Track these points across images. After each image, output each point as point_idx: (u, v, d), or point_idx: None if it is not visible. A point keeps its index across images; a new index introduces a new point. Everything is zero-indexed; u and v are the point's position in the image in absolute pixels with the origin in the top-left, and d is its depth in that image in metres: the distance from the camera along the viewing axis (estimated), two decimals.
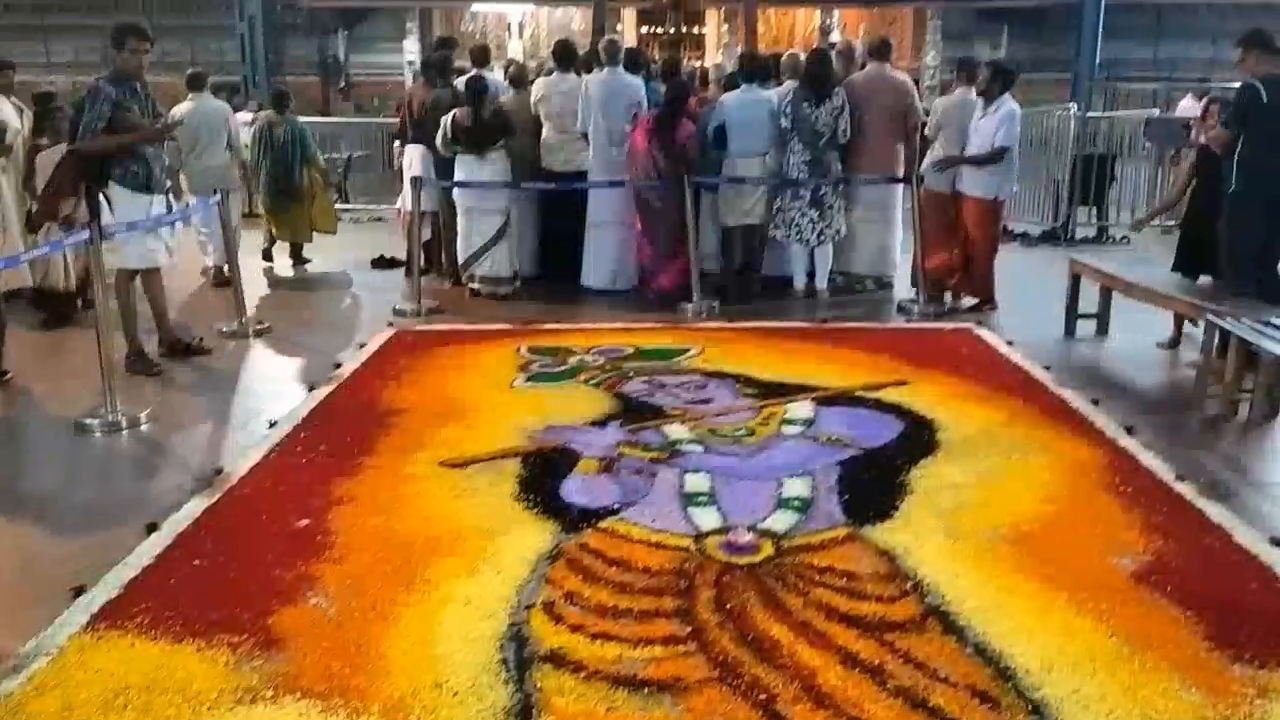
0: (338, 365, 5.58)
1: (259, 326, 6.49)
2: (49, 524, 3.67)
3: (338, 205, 10.30)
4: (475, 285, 7.57)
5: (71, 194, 5.50)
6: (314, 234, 8.93)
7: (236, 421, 4.80)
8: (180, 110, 7.55)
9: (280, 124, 8.67)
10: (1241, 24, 19.95)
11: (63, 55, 22.21)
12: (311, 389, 5.15)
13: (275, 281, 8.41)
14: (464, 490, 3.83)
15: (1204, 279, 5.67)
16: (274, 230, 8.96)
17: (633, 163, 7.39)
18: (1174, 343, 5.92)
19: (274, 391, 5.22)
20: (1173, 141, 10.32)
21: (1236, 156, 5.13)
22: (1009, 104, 6.76)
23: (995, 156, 6.73)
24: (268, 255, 8.99)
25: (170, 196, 5.66)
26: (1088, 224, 10.38)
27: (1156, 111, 12.28)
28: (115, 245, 5.32)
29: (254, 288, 7.94)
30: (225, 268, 7.46)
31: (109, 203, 5.30)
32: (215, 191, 6.67)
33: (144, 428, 4.70)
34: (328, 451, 4.25)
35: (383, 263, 8.81)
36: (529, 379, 5.38)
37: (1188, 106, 11.10)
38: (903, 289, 7.55)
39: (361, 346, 6.02)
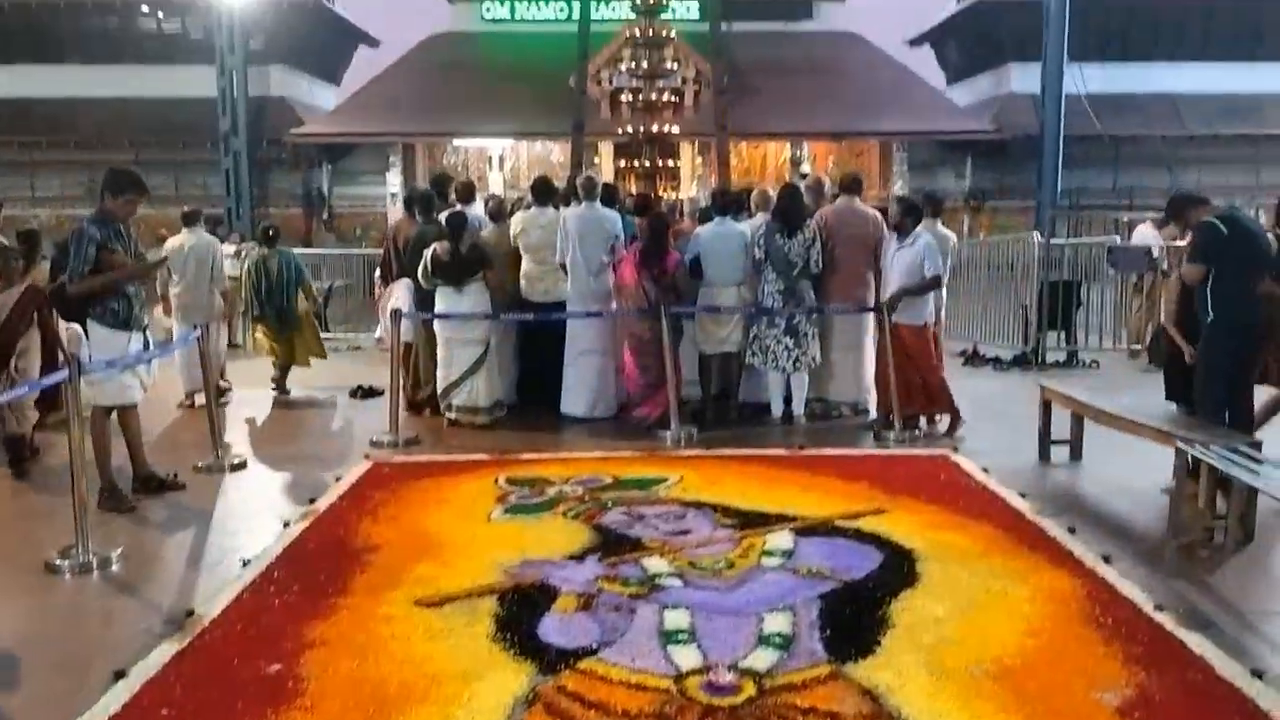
0: (313, 500, 5.54)
1: (235, 461, 6.46)
2: (12, 671, 3.58)
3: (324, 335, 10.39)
4: (453, 415, 7.59)
5: (24, 334, 5.53)
6: (308, 360, 9.14)
7: (209, 560, 4.73)
8: (173, 243, 8.43)
9: (273, 256, 8.95)
10: (1196, 152, 20.80)
11: (49, 189, 22.62)
12: (286, 525, 5.10)
13: (255, 412, 8.40)
14: (439, 631, 3.77)
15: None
16: (275, 358, 9.09)
17: (622, 296, 7.53)
18: None
19: (248, 528, 5.16)
20: (1135, 267, 10.61)
21: (1209, 288, 5.32)
22: (924, 236, 7.12)
23: (932, 285, 7.09)
24: (280, 385, 9.02)
25: (148, 333, 5.70)
26: (1057, 349, 10.58)
27: (1118, 239, 12.65)
28: (93, 382, 5.33)
29: (235, 418, 8.03)
30: (197, 395, 7.93)
31: (86, 339, 5.33)
32: (195, 326, 6.71)
33: (115, 568, 4.62)
34: (301, 591, 4.19)
35: (362, 392, 8.84)
36: (507, 511, 5.36)
37: (1145, 233, 11.51)
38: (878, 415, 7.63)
39: (338, 480, 5.99)
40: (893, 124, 21.87)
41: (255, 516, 5.41)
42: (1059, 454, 6.46)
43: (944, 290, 7.53)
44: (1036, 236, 11.01)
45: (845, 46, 23.04)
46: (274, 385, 9.01)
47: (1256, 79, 22.76)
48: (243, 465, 6.45)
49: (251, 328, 9.33)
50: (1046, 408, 6.48)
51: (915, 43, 27.84)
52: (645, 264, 7.38)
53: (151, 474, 5.84)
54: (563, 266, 7.80)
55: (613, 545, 4.71)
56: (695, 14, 20.49)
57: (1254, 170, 22.38)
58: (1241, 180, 21.41)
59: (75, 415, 4.88)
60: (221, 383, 8.56)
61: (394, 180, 22.72)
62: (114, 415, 5.63)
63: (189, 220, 8.55)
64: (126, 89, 22.40)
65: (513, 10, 23.50)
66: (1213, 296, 5.29)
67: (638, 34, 16.59)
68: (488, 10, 23.52)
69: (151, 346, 5.75)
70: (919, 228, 7.18)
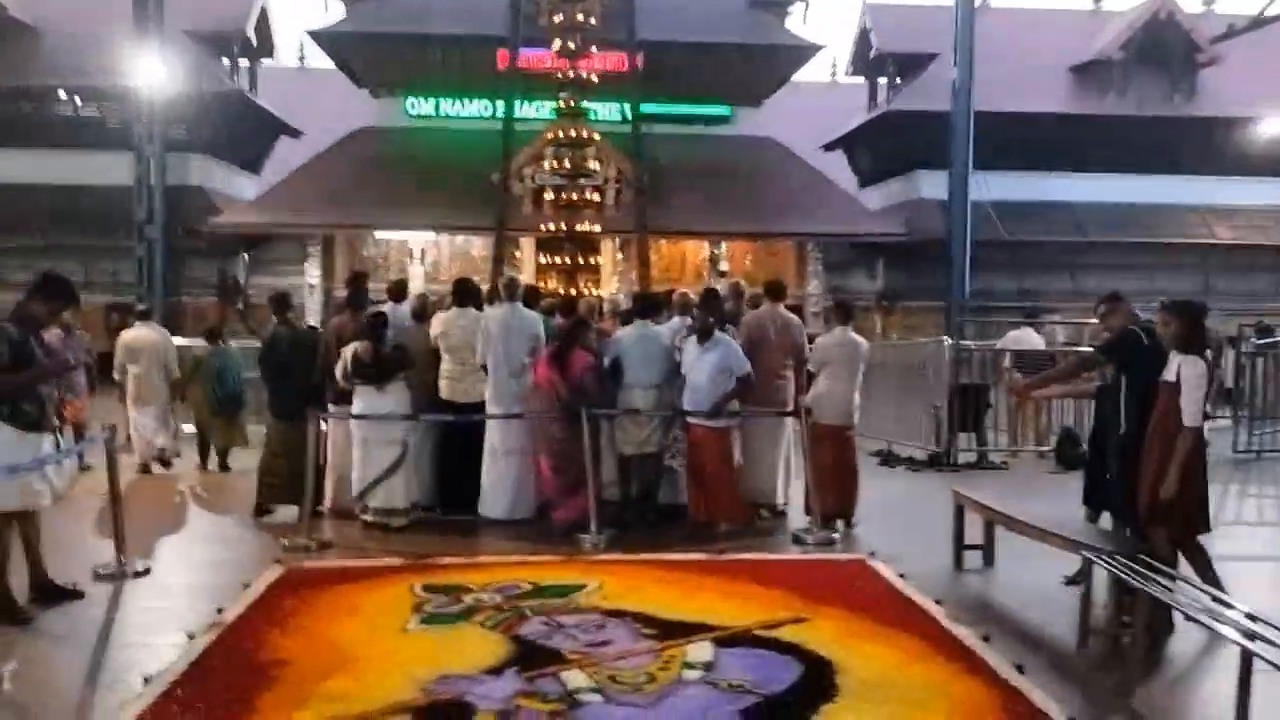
0: (220, 610, 5.34)
1: (139, 568, 6.21)
2: None
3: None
4: (369, 517, 7.45)
5: None
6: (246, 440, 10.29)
7: (108, 678, 4.51)
8: (129, 335, 10.12)
9: (217, 354, 10.37)
10: (1098, 259, 21.75)
11: None
12: (191, 638, 4.91)
13: (163, 511, 8.13)
14: None
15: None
16: (215, 441, 10.30)
17: (535, 397, 7.54)
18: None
19: (150, 642, 4.94)
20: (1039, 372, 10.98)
21: (1123, 399, 5.52)
22: (725, 338, 7.41)
23: (746, 386, 7.37)
24: (223, 464, 10.23)
25: (60, 434, 5.52)
26: (968, 450, 10.85)
27: (994, 344, 13.11)
28: None
29: (148, 511, 7.86)
30: (165, 453, 9.99)
31: None
32: (104, 428, 6.50)
33: (5, 686, 4.38)
34: (205, 712, 4.02)
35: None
36: (423, 621, 5.24)
37: (1017, 337, 12.31)
38: (796, 517, 7.73)
39: (247, 587, 5.80)
40: (807, 225, 22.50)
41: (159, 628, 5.19)
42: (973, 558, 6.58)
43: (857, 394, 7.70)
44: (947, 340, 11.36)
45: (762, 150, 23.74)
46: (220, 466, 10.23)
47: (1149, 190, 24.07)
48: (147, 571, 6.21)
49: (200, 415, 10.44)
50: (960, 512, 6.63)
51: (829, 148, 28.84)
52: (555, 365, 7.44)
53: (49, 582, 5.59)
54: (483, 367, 7.79)
55: (532, 658, 4.63)
56: (617, 115, 20.94)
57: (1149, 276, 23.49)
58: (1137, 285, 22.33)
59: None
60: (168, 456, 10.15)
61: (313, 271, 22.53)
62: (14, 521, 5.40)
63: (143, 316, 10.34)
64: (38, 174, 21.94)
65: (437, 107, 23.76)
66: (1125, 408, 5.49)
67: (561, 135, 16.88)
68: (412, 106, 23.74)
69: (62, 448, 5.55)
70: (712, 335, 7.36)
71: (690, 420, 7.38)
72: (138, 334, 10.15)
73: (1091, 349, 6.32)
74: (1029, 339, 12.49)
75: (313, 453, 7.32)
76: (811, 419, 7.49)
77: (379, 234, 22.88)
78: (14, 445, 5.18)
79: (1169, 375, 5.14)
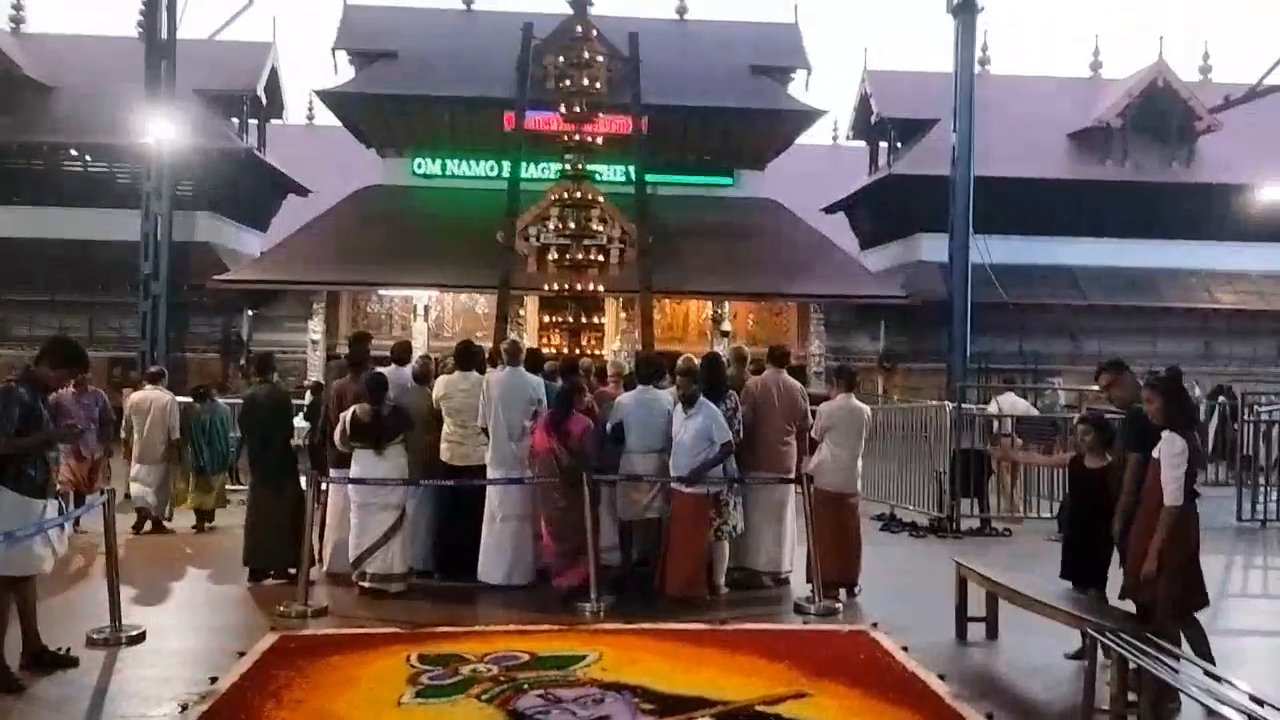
0: (214, 679, 5.28)
1: (132, 633, 6.13)
2: None
3: (228, 487, 10.99)
4: (366, 583, 7.38)
5: None
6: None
7: None
8: (137, 397, 10.37)
9: (206, 410, 10.59)
10: (1099, 322, 21.75)
11: None
12: (184, 709, 4.85)
13: (158, 573, 8.06)
14: None
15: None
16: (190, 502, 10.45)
17: (535, 461, 7.52)
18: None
19: (143, 712, 4.88)
20: (1042, 437, 10.99)
21: (1128, 477, 5.43)
22: (708, 405, 7.32)
23: (727, 453, 7.27)
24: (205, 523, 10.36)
25: (62, 501, 5.51)
26: (971, 515, 10.78)
27: (989, 406, 13.10)
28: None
29: (144, 573, 7.82)
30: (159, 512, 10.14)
31: None
32: (102, 492, 6.48)
33: None
34: None
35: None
36: (418, 694, 5.17)
37: (1011, 402, 12.35)
38: (799, 584, 7.65)
39: (241, 655, 5.73)
40: (809, 287, 22.61)
41: (153, 697, 5.12)
42: (976, 630, 6.51)
43: (859, 461, 7.69)
44: (948, 405, 11.34)
45: (764, 211, 23.94)
46: (196, 527, 10.28)
47: (1150, 255, 24.22)
48: (141, 637, 6.13)
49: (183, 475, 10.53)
50: (963, 585, 6.56)
51: (830, 210, 29.10)
52: (554, 429, 7.41)
53: (43, 649, 5.53)
54: (484, 430, 7.78)
55: None
56: (621, 176, 21.19)
57: (1150, 340, 23.57)
58: (1138, 349, 22.46)
59: None
60: (165, 522, 10.27)
61: (316, 327, 22.58)
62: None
63: (154, 378, 10.63)
64: (46, 230, 22.12)
65: (443, 166, 24.03)
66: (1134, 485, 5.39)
67: (565, 196, 17.05)
68: (419, 165, 24.01)
69: (63, 512, 5.53)
70: (700, 399, 7.33)
71: (672, 485, 7.34)
72: (146, 394, 10.39)
73: (1097, 421, 6.25)
74: (1015, 403, 12.51)
75: (310, 516, 7.27)
76: (814, 485, 7.45)
77: (383, 290, 22.99)
78: (18, 510, 5.16)
79: (1156, 452, 5.14)
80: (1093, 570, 5.94)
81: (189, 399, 10.94)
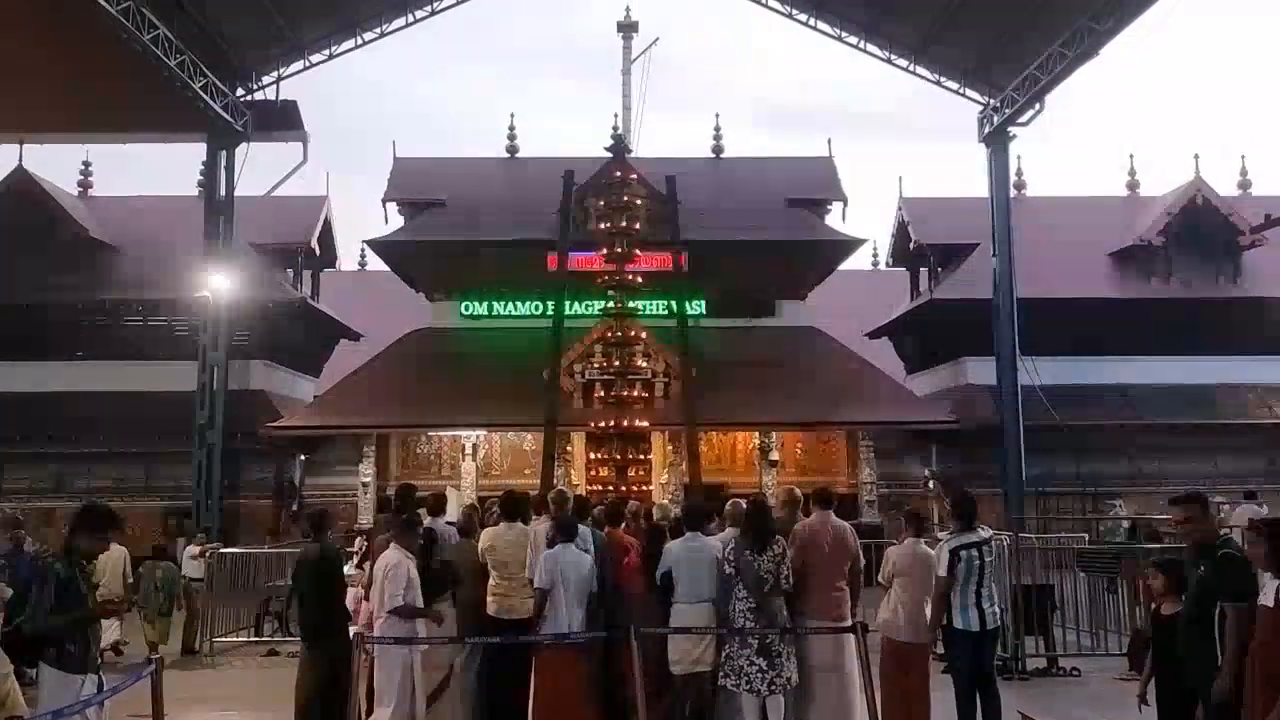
0: None
1: None
2: None
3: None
4: None
5: None
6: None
7: None
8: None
9: (160, 567, 12.36)
10: (1156, 440, 21.08)
11: (18, 483, 22.46)
12: None
13: None
14: None
15: None
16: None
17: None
18: None
19: None
20: (1105, 572, 10.63)
21: (1218, 629, 5.06)
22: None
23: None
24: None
25: (102, 675, 5.49)
26: (1037, 655, 10.38)
27: (1085, 537, 12.77)
28: None
29: None
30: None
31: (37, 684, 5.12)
32: (149, 660, 6.47)
33: None
34: None
35: None
36: None
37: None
38: None
39: None
40: (857, 414, 22.44)
41: None
42: None
43: (929, 608, 7.43)
44: (1006, 538, 11.05)
45: (807, 340, 24.03)
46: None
47: (1203, 370, 23.76)
48: None
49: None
50: None
51: (873, 335, 29.13)
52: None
53: None
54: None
55: None
56: (664, 310, 21.47)
57: (1211, 458, 22.92)
58: (1198, 467, 21.89)
59: None
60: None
61: (367, 470, 22.78)
62: None
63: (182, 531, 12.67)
64: (105, 383, 22.75)
65: (490, 308, 24.57)
66: (1224, 639, 5.00)
67: (609, 334, 17.30)
68: (466, 308, 24.57)
69: (104, 688, 5.51)
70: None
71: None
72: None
73: (1166, 565, 5.97)
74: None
75: (356, 674, 7.15)
76: (883, 637, 7.23)
77: (432, 431, 23.23)
78: (59, 687, 5.16)
79: (1265, 599, 4.77)
80: None
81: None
